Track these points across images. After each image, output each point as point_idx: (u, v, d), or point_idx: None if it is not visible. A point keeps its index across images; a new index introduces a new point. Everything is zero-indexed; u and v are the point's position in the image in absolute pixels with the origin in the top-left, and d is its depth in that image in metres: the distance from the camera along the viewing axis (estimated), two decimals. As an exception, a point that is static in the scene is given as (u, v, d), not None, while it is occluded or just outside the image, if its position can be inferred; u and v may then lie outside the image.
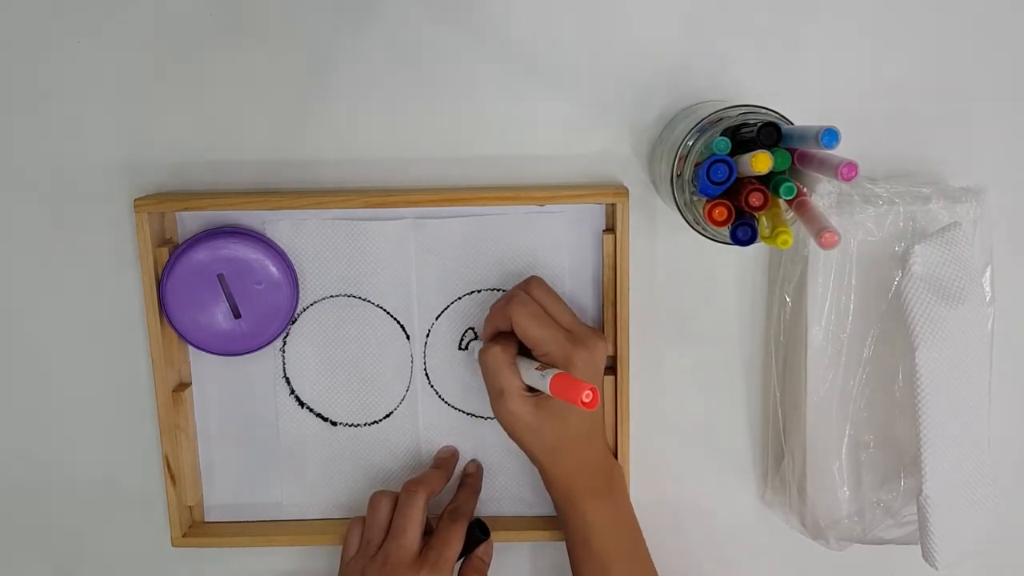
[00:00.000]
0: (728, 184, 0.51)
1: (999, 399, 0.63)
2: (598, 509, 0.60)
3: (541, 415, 0.57)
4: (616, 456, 0.64)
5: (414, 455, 0.67)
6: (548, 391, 0.54)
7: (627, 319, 0.62)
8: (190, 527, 0.66)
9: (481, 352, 0.59)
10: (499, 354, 0.58)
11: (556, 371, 0.54)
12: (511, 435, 0.59)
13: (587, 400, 0.51)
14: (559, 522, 0.62)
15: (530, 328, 0.57)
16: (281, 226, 0.63)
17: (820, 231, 0.47)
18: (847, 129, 0.47)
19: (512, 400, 0.57)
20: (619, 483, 0.62)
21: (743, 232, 0.52)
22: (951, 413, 0.57)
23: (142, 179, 0.63)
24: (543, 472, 0.61)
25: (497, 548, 0.65)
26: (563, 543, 0.67)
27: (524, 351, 0.59)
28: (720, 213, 0.52)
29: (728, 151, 0.51)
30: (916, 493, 0.58)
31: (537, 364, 0.57)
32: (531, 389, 0.58)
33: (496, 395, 0.58)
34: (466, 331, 0.65)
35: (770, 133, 0.51)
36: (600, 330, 0.62)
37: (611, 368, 0.64)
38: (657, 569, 0.62)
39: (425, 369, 0.66)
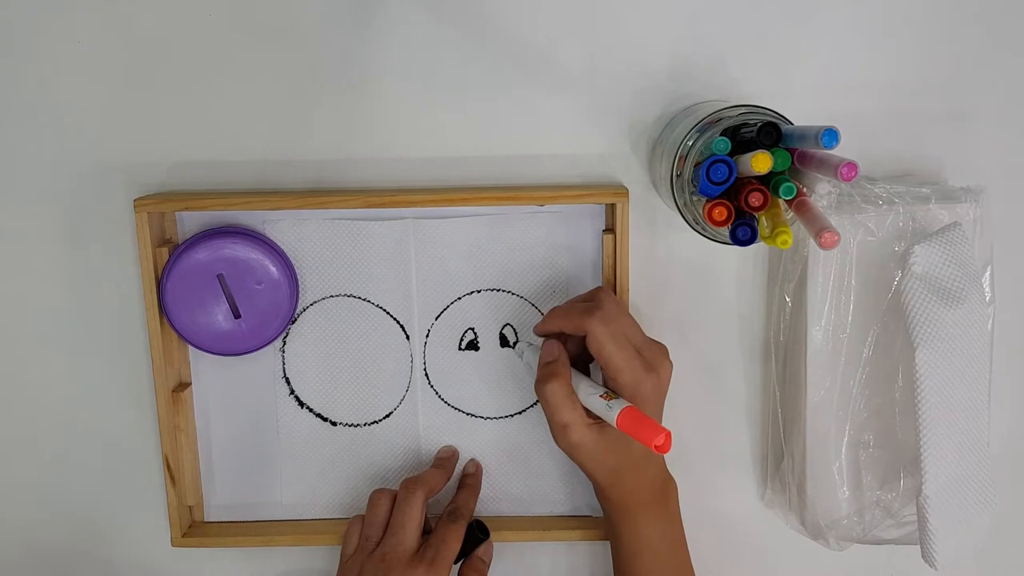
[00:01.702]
0: (728, 184, 0.51)
1: (999, 399, 0.63)
2: (652, 524, 0.59)
3: (604, 442, 0.56)
4: None
5: (414, 455, 0.67)
6: (614, 424, 0.52)
7: (627, 319, 0.62)
8: (190, 527, 0.66)
9: (538, 384, 0.56)
10: (559, 389, 0.55)
11: (623, 404, 0.52)
12: (572, 459, 0.57)
13: (659, 444, 0.50)
14: (609, 533, 0.61)
15: (607, 349, 0.54)
16: (281, 226, 0.64)
17: (820, 231, 0.47)
18: (847, 129, 0.47)
19: (575, 433, 0.55)
20: (673, 497, 0.61)
21: (743, 232, 0.52)
22: (951, 413, 0.57)
23: (142, 179, 0.63)
24: (600, 490, 0.60)
25: (496, 548, 0.65)
26: (562, 543, 0.68)
27: (575, 361, 0.57)
28: (720, 213, 0.52)
29: (728, 151, 0.51)
30: (916, 493, 0.58)
31: (601, 391, 0.54)
32: (590, 412, 0.56)
33: (559, 429, 0.56)
34: (466, 331, 0.65)
35: (770, 133, 0.51)
36: (664, 346, 0.58)
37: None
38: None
39: (425, 369, 0.66)
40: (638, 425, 0.51)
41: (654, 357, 0.56)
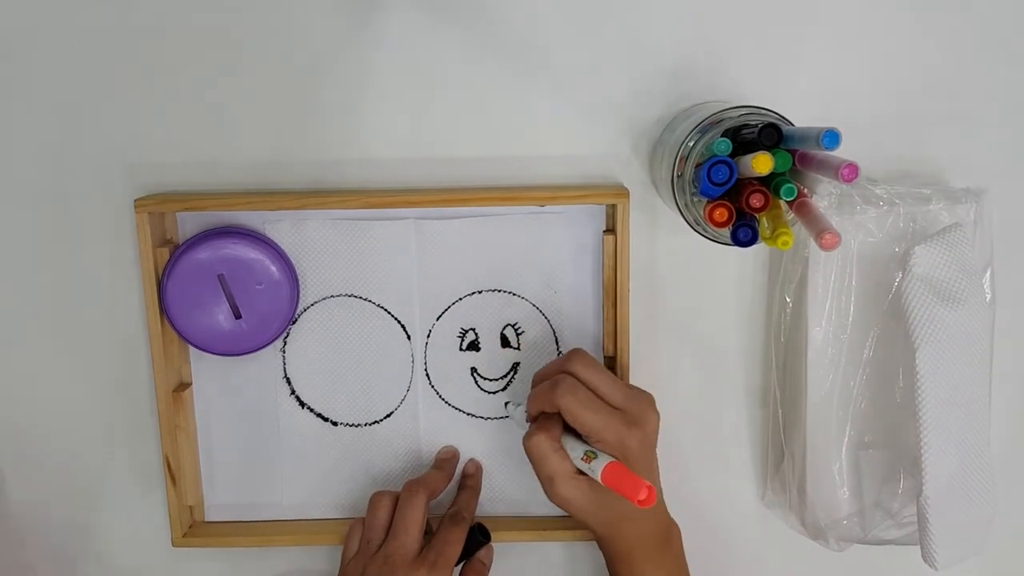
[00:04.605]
0: (729, 185, 0.51)
1: (999, 399, 0.63)
2: (652, 569, 0.58)
3: (596, 497, 0.55)
4: None
5: (414, 455, 0.67)
6: (600, 481, 0.52)
7: (627, 320, 0.62)
8: (190, 527, 0.66)
9: (525, 439, 0.56)
10: (544, 442, 0.55)
11: (608, 460, 0.53)
12: (568, 513, 0.57)
13: (642, 498, 0.50)
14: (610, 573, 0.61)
15: (581, 417, 0.55)
16: (281, 226, 0.63)
17: (820, 232, 0.47)
18: (848, 130, 0.47)
19: (563, 486, 0.55)
20: (675, 541, 0.60)
21: (744, 233, 0.52)
22: (951, 414, 0.57)
23: (142, 179, 0.63)
24: (600, 540, 0.60)
25: (495, 549, 0.65)
26: (560, 543, 0.68)
27: (570, 427, 0.57)
28: (721, 214, 0.52)
29: (729, 152, 0.51)
30: (916, 494, 0.58)
31: (584, 451, 0.55)
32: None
33: (546, 481, 0.56)
34: (467, 331, 0.65)
35: (771, 134, 0.51)
36: (649, 396, 0.58)
37: (610, 368, 0.64)
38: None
39: (426, 369, 0.66)
40: (621, 480, 0.51)
41: (638, 411, 0.56)
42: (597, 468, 0.53)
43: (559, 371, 0.57)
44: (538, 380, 0.60)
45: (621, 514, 0.57)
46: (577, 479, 0.55)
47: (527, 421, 0.60)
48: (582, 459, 0.54)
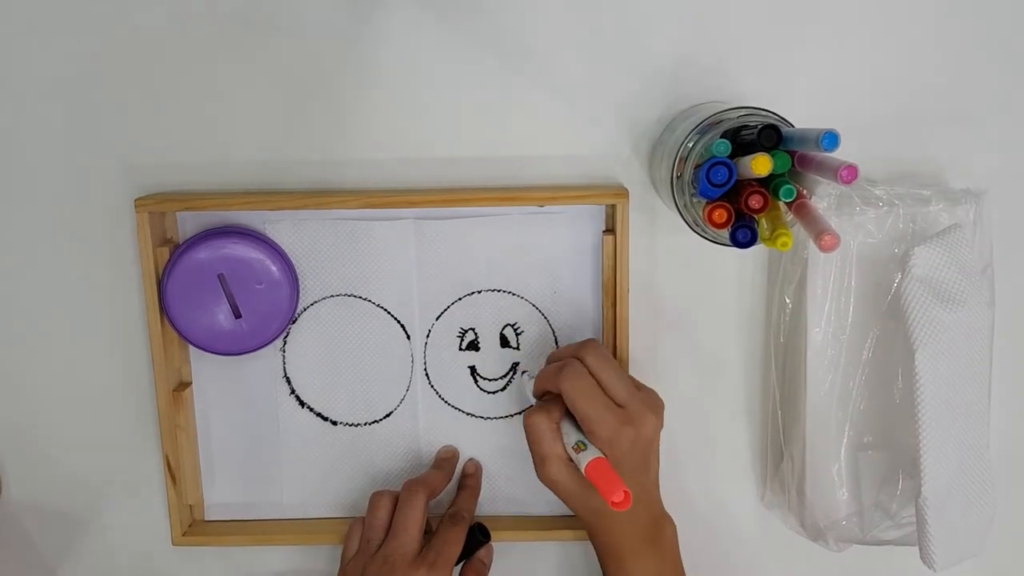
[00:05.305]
0: (728, 186, 0.51)
1: (999, 401, 0.63)
2: (641, 565, 0.58)
3: (584, 483, 0.56)
4: None
5: (414, 455, 0.67)
6: (583, 473, 0.53)
7: (626, 320, 0.62)
8: (190, 526, 0.66)
9: (525, 416, 0.57)
10: (542, 422, 0.56)
11: (595, 455, 0.53)
12: (557, 496, 0.58)
13: (617, 500, 0.51)
14: (601, 571, 0.61)
15: (578, 404, 0.55)
16: (281, 226, 0.64)
17: (820, 233, 0.47)
18: (847, 131, 0.47)
19: (553, 468, 0.56)
20: (667, 538, 0.60)
21: (743, 234, 0.52)
22: (950, 415, 0.57)
23: (142, 179, 0.63)
24: (587, 529, 0.60)
25: (495, 548, 0.65)
26: (560, 543, 0.68)
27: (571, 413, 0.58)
28: (720, 215, 0.52)
29: (728, 153, 0.51)
30: (915, 495, 0.58)
31: (576, 440, 0.55)
32: None
33: (538, 461, 0.57)
34: (467, 331, 0.65)
35: (770, 135, 0.51)
36: (655, 399, 0.59)
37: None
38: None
39: (425, 369, 0.66)
40: (602, 478, 0.52)
41: (637, 411, 0.56)
42: (583, 460, 0.53)
43: (572, 356, 0.58)
44: (551, 361, 0.60)
45: (605, 505, 0.56)
46: (567, 463, 0.56)
47: (533, 396, 0.61)
48: (572, 447, 0.55)
